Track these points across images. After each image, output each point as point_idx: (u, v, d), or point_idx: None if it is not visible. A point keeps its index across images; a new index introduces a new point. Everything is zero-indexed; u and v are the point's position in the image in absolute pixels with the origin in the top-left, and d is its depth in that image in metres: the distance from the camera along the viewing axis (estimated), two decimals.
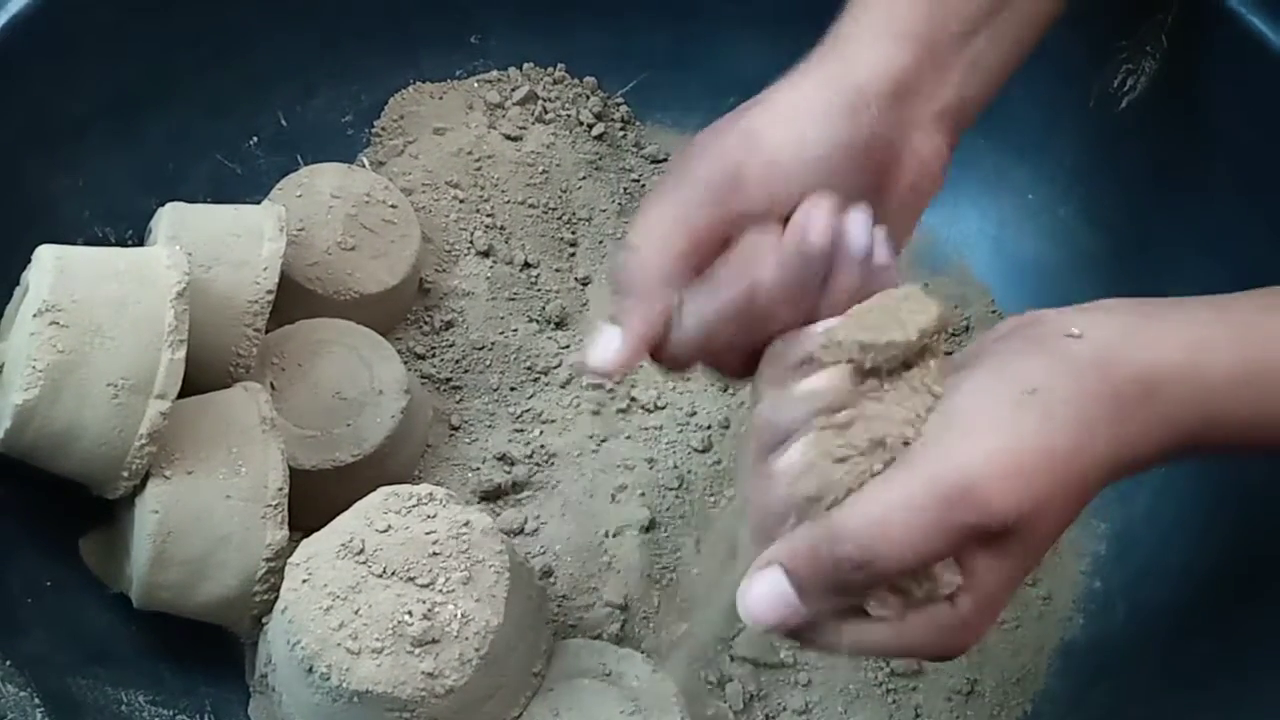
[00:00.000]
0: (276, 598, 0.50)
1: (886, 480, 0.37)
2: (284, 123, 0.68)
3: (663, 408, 0.63)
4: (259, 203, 0.62)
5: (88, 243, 0.58)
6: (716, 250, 0.42)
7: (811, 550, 0.37)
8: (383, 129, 0.70)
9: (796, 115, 0.43)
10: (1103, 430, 0.37)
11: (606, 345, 0.42)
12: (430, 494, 0.50)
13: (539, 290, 0.66)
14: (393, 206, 0.64)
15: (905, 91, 0.44)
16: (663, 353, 0.43)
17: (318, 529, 0.51)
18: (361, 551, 0.48)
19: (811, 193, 0.42)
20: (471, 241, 0.67)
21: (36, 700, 0.47)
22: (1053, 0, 0.49)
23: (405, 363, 0.60)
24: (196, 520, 0.50)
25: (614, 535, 0.58)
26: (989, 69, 0.46)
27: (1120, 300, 0.41)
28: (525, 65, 0.72)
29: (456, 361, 0.64)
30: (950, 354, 0.66)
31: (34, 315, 0.49)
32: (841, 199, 0.42)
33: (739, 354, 0.43)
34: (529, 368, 0.64)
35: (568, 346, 0.65)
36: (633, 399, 0.63)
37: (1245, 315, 0.40)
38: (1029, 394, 0.37)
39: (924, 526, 0.35)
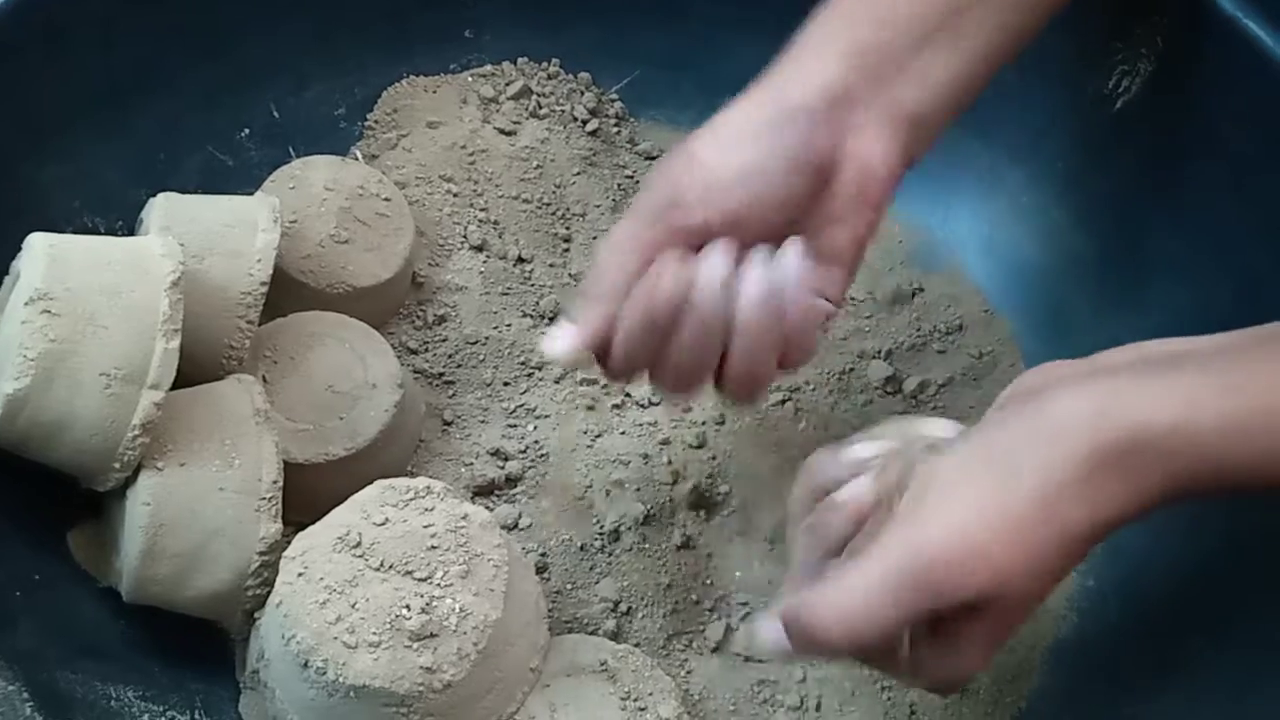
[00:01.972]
0: (269, 592, 0.49)
1: (857, 565, 0.40)
2: (276, 115, 0.67)
3: (657, 403, 0.63)
4: (251, 195, 0.62)
5: (77, 232, 0.57)
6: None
7: (792, 617, 0.41)
8: (376, 122, 0.69)
9: (730, 134, 0.47)
10: (1074, 493, 0.39)
11: (559, 337, 0.47)
12: (428, 487, 0.50)
13: (533, 285, 0.66)
14: (386, 200, 0.63)
15: (839, 101, 0.46)
16: (607, 360, 0.48)
17: (308, 523, 0.50)
18: (358, 545, 0.48)
19: (751, 205, 0.46)
20: (465, 236, 0.66)
21: (25, 694, 0.46)
22: (1024, 13, 0.50)
23: (398, 357, 0.60)
24: (189, 513, 0.50)
25: (609, 531, 0.58)
26: (945, 80, 0.48)
27: (1121, 355, 0.42)
28: (520, 60, 0.71)
29: (450, 356, 0.63)
30: (943, 353, 0.67)
31: (25, 303, 0.48)
32: (782, 208, 0.46)
33: (673, 373, 0.47)
34: (523, 363, 0.64)
35: None
36: (627, 394, 0.63)
37: (1233, 366, 0.41)
38: (996, 465, 0.40)
39: (884, 614, 0.39)
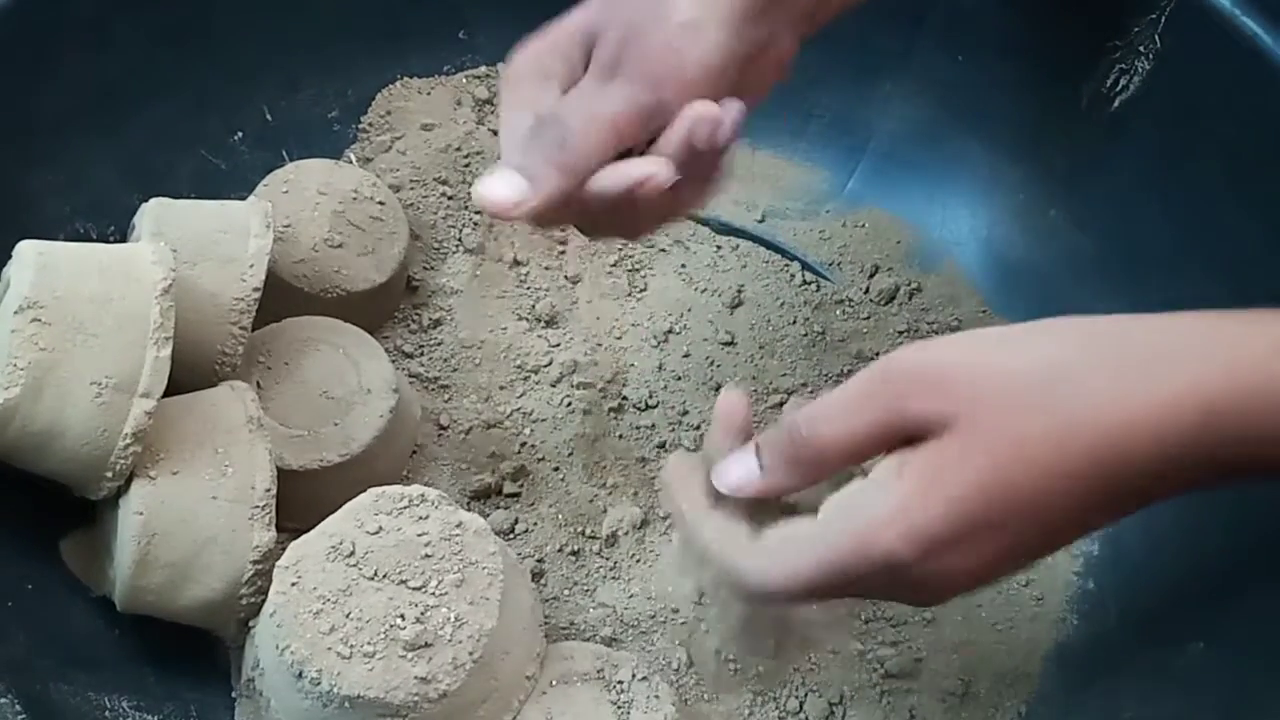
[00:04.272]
0: (263, 601, 0.49)
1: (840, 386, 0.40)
2: (269, 118, 0.67)
3: (654, 406, 0.62)
4: (244, 199, 0.61)
5: (69, 239, 0.57)
6: None
7: (775, 431, 0.41)
8: (370, 125, 0.69)
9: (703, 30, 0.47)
10: (1097, 384, 0.37)
11: (509, 186, 0.46)
12: (422, 495, 0.49)
13: (528, 288, 0.66)
14: (380, 203, 0.63)
15: (771, 4, 0.49)
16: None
17: (303, 530, 0.50)
18: (352, 554, 0.47)
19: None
20: (460, 239, 0.66)
21: (17, 706, 0.46)
22: None
23: (393, 361, 0.59)
24: (182, 522, 0.49)
25: (606, 536, 0.58)
26: None
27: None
28: None
29: (445, 360, 0.63)
30: None
31: (15, 312, 0.48)
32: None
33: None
34: (519, 366, 0.63)
35: (558, 345, 0.64)
36: (624, 398, 0.63)
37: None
38: (1015, 333, 0.39)
39: (854, 402, 0.39)
